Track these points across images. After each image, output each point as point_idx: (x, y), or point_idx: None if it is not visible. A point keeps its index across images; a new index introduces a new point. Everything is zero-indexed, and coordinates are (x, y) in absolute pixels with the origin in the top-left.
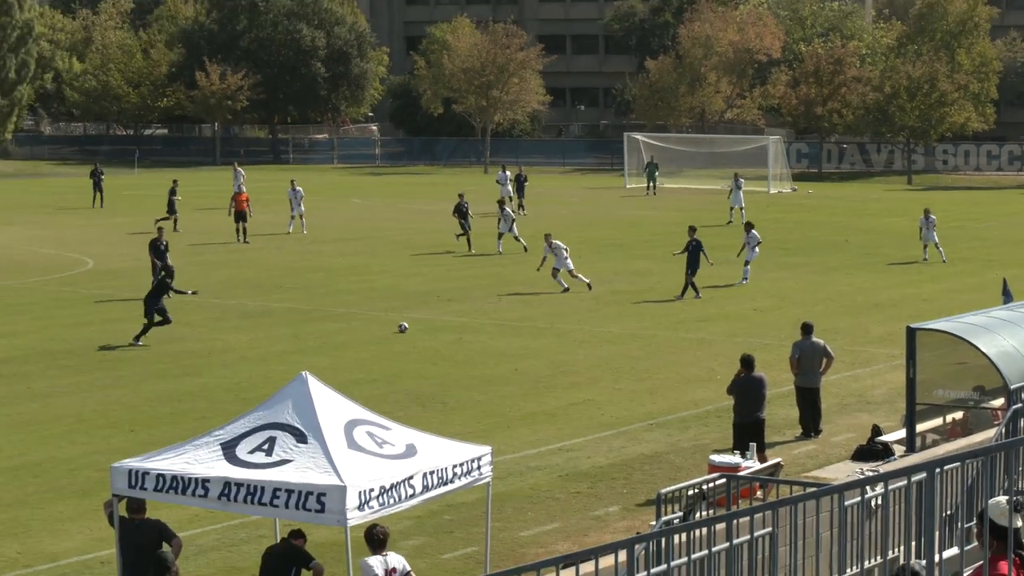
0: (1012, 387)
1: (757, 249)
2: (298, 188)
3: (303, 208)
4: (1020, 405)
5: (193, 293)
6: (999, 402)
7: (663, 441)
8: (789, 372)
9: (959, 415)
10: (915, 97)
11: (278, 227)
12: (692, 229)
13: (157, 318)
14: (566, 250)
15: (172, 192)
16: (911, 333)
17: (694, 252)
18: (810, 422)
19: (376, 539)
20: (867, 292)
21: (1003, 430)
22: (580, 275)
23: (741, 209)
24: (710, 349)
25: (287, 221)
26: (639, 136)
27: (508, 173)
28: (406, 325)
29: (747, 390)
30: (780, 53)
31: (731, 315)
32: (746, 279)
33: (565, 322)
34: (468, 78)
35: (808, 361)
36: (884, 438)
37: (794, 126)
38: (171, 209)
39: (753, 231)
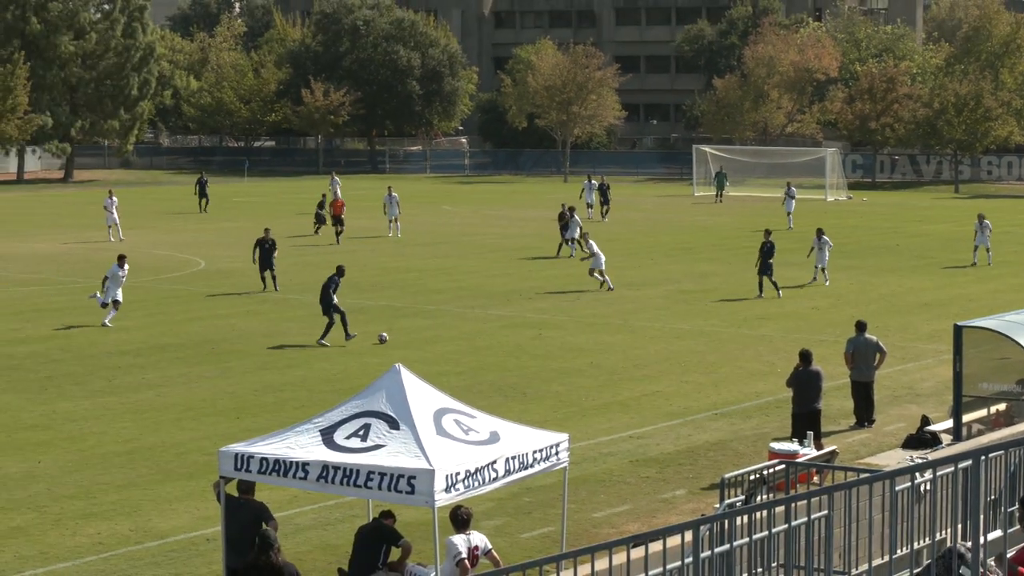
0: None
1: (827, 253)
2: (394, 194)
3: (399, 212)
4: None
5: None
6: None
7: (726, 430)
8: (844, 366)
9: (1002, 406)
10: (962, 112)
11: (373, 231)
12: (767, 232)
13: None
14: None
15: (320, 206)
16: (958, 330)
17: (768, 253)
18: (864, 413)
19: (461, 519)
20: (917, 292)
21: None
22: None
23: (789, 215)
24: (770, 345)
25: (384, 225)
26: (707, 148)
27: (594, 182)
28: (386, 336)
29: (805, 382)
30: (837, 72)
31: (790, 314)
32: (827, 281)
33: (637, 319)
34: (550, 95)
35: (862, 356)
36: (932, 428)
37: (849, 139)
38: (318, 218)
39: (824, 236)
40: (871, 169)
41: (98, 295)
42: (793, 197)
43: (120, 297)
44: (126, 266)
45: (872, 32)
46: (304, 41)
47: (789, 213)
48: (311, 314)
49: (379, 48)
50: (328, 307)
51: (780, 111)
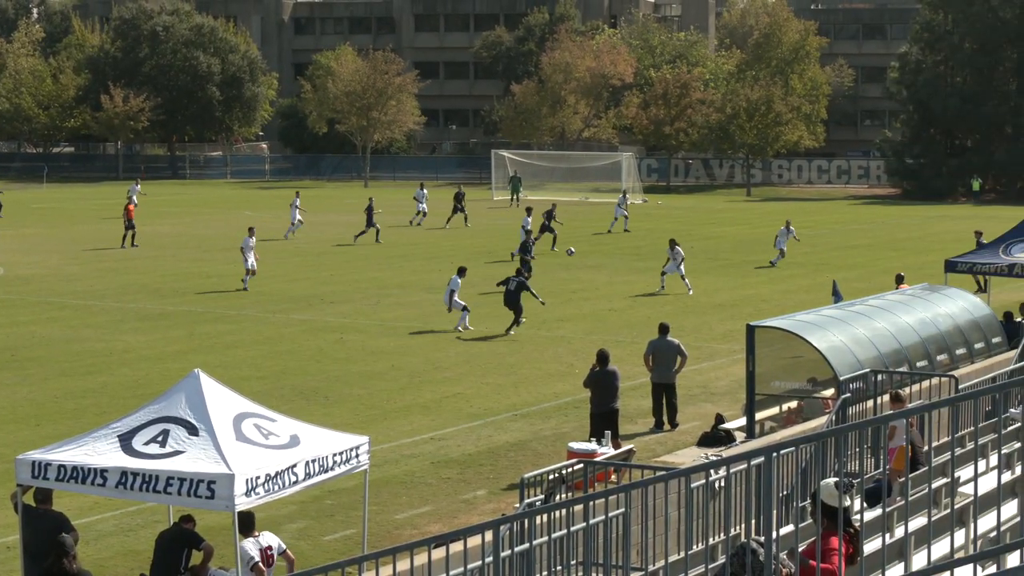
0: (841, 378)
1: (681, 266)
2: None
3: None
4: (848, 395)
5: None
6: (830, 392)
7: (526, 430)
8: (642, 366)
9: (794, 404)
10: (753, 117)
11: (175, 236)
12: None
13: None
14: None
15: (370, 209)
16: (750, 330)
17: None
18: (665, 415)
19: (246, 522)
20: (711, 293)
21: (833, 417)
22: None
23: (623, 219)
24: (569, 346)
25: (181, 231)
26: (505, 153)
27: (425, 191)
28: (573, 249)
29: (602, 383)
30: (632, 78)
31: (588, 315)
32: (689, 290)
33: (439, 323)
34: (350, 100)
35: (662, 359)
36: (726, 425)
37: (645, 144)
38: (369, 222)
39: (678, 247)
40: (666, 173)
41: None
42: (620, 205)
43: None
44: None
45: (666, 39)
46: (103, 47)
47: (618, 219)
48: (112, 320)
49: (179, 54)
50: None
51: (577, 116)
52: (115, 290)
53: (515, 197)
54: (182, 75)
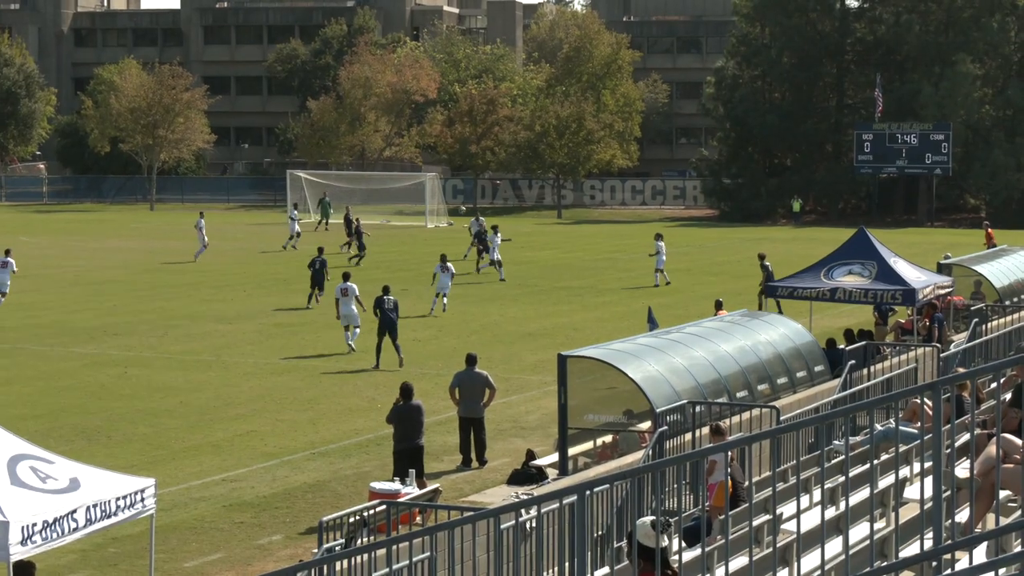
0: (658, 410)
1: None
2: None
3: None
4: (665, 428)
5: None
6: (646, 425)
7: (325, 470)
8: (448, 400)
9: (609, 438)
10: (564, 135)
11: None
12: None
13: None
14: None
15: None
16: (562, 360)
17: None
18: (473, 452)
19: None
20: (520, 321)
21: (650, 452)
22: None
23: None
24: (370, 379)
25: None
26: (301, 173)
27: (296, 213)
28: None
29: (406, 418)
30: (436, 94)
31: (389, 346)
32: (443, 309)
33: (230, 355)
34: (135, 117)
35: (469, 391)
36: (538, 462)
37: (450, 163)
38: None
39: (448, 263)
40: (472, 194)
41: None
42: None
43: None
44: None
45: (471, 52)
46: None
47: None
48: None
49: None
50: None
51: (378, 134)
52: None
53: (324, 221)
54: None
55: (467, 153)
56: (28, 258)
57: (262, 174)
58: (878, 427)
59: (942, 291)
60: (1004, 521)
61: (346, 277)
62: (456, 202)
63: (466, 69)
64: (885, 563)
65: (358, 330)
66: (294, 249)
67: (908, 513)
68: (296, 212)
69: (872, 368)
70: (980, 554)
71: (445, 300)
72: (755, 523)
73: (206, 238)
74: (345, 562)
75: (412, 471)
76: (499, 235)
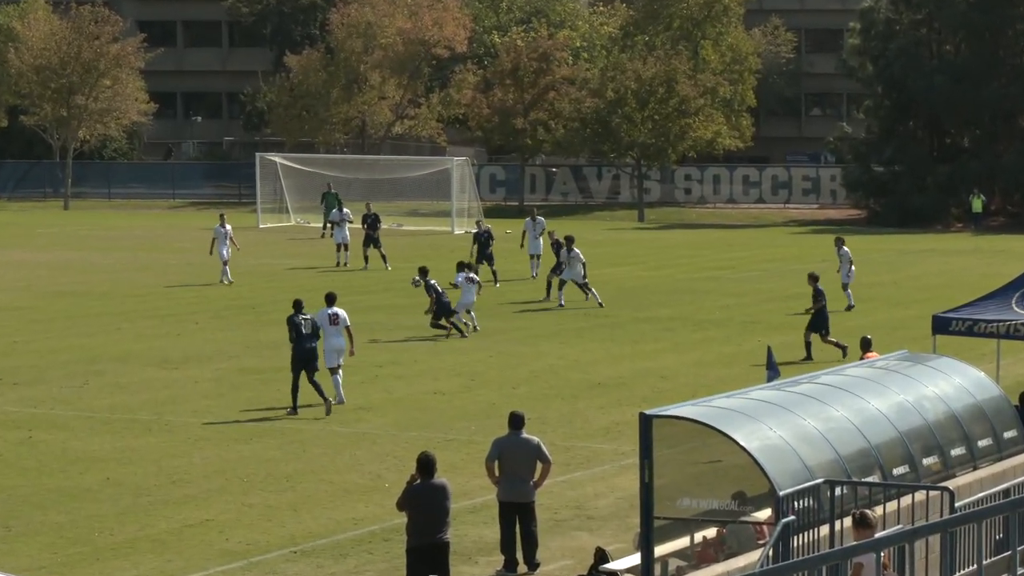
0: (781, 493)
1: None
2: None
3: None
4: (792, 518)
5: None
6: (765, 514)
7: (311, 575)
8: (484, 477)
9: (712, 532)
10: (647, 105)
11: None
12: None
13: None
14: None
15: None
16: (646, 422)
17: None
18: (521, 551)
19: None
20: (586, 367)
21: (770, 552)
22: None
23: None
24: (375, 447)
25: None
26: (276, 158)
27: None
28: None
29: (425, 503)
30: (466, 46)
31: (403, 401)
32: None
33: (176, 412)
34: (42, 79)
35: (515, 466)
36: (612, 566)
37: (487, 144)
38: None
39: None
40: (517, 187)
41: None
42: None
43: None
44: None
45: None
46: None
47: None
48: None
49: None
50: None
51: (385, 102)
52: None
53: (331, 225)
54: None
55: (510, 129)
56: None
57: (221, 159)
58: None
59: None
60: None
61: (331, 300)
62: (495, 198)
63: (509, 12)
64: None
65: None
66: (345, 267)
67: None
68: (348, 213)
69: None
70: None
71: (473, 315)
72: None
73: (227, 252)
74: None
75: None
76: (573, 249)
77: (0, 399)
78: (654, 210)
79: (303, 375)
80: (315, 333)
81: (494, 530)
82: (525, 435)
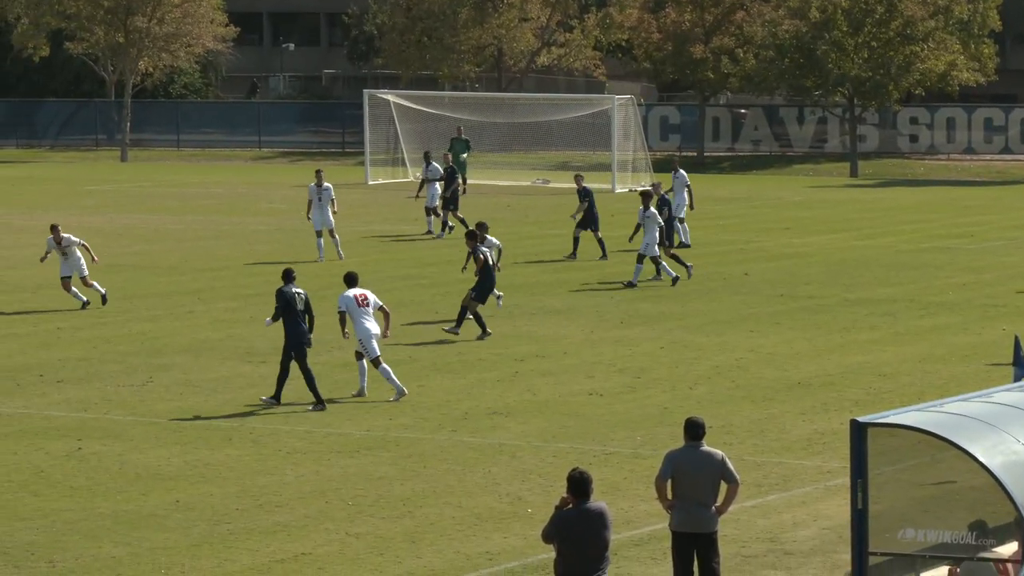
0: None
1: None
2: None
3: None
4: None
5: None
6: (1010, 549)
7: None
8: (650, 501)
9: (944, 571)
10: (862, 28)
11: None
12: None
13: None
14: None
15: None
16: (859, 432)
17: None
18: None
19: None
20: (783, 362)
21: None
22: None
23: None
24: (514, 463)
25: None
26: (389, 96)
27: (438, 166)
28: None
29: (578, 533)
30: None
31: (549, 403)
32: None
33: (264, 418)
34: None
35: (692, 487)
36: None
37: (657, 79)
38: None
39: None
40: (695, 133)
41: None
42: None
43: None
44: None
45: None
46: None
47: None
48: None
49: None
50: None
51: (527, 26)
52: None
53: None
54: None
55: (687, 60)
56: None
57: (319, 97)
58: None
59: None
60: None
61: (353, 280)
62: (668, 146)
63: None
64: None
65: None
66: (450, 231)
67: None
68: (437, 168)
69: None
70: None
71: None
72: None
73: (331, 218)
74: None
75: None
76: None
77: (42, 401)
78: (870, 162)
79: (292, 362)
80: (308, 311)
81: (665, 568)
82: (706, 448)
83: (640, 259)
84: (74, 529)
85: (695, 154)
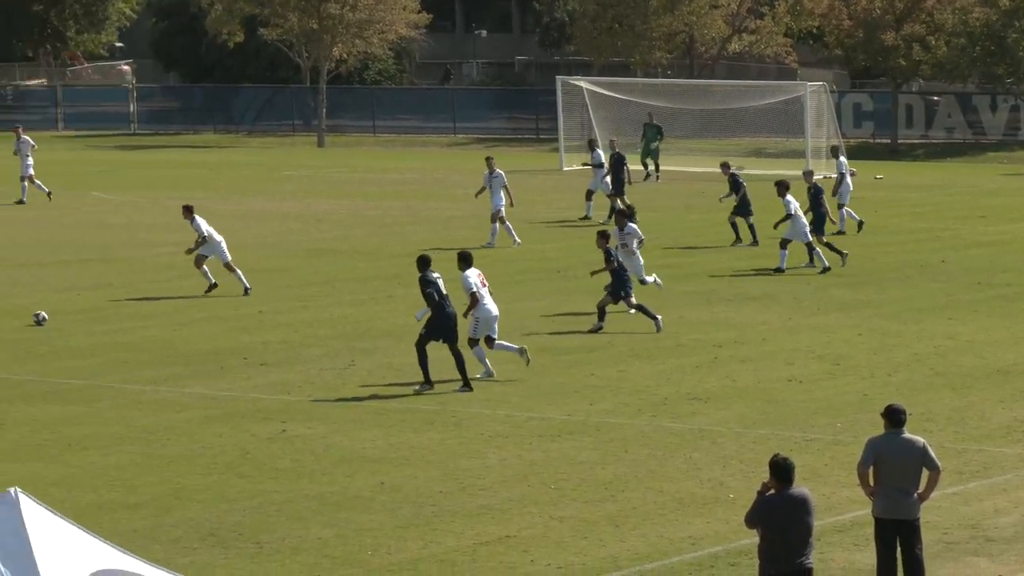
0: None
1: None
2: (25, 137)
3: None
4: None
5: None
6: None
7: None
8: (852, 487)
9: None
10: None
11: None
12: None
13: None
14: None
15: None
16: None
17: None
18: None
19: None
20: (983, 349)
21: None
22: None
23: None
24: (715, 448)
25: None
26: (582, 82)
27: (601, 153)
28: (44, 315)
29: (781, 519)
30: None
31: (749, 389)
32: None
33: (466, 401)
34: None
35: (894, 474)
36: None
37: (848, 65)
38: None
39: (631, 224)
40: (889, 120)
41: None
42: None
43: None
44: None
45: None
46: None
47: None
48: None
49: None
50: None
51: (718, 13)
52: None
53: (652, 164)
54: None
55: (879, 47)
56: (105, 228)
57: (511, 84)
58: None
59: None
60: None
61: (469, 259)
62: (861, 133)
63: None
64: None
65: None
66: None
67: None
68: (600, 154)
69: None
70: None
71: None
72: None
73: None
74: None
75: None
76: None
77: (246, 384)
78: None
79: (431, 345)
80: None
81: (868, 554)
82: (907, 435)
83: (783, 244)
84: (280, 511)
85: (889, 141)
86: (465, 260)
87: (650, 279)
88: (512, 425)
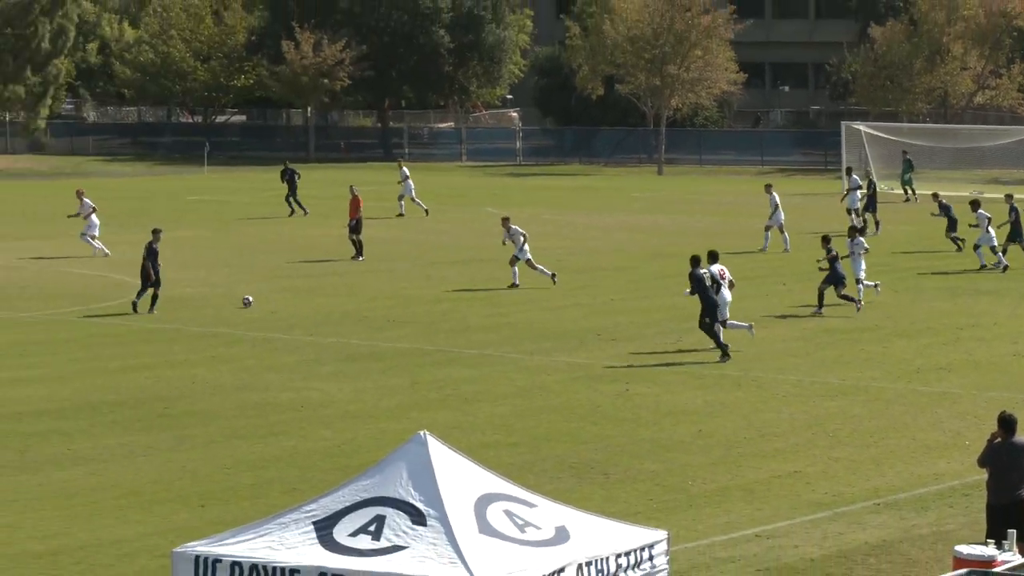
0: None
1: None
2: (404, 169)
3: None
4: None
5: None
6: None
7: (893, 526)
8: None
9: None
10: None
11: (387, 242)
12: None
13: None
14: (524, 236)
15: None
16: None
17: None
18: None
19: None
20: None
21: None
22: (541, 266)
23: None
24: (956, 406)
25: (399, 236)
26: (861, 126)
27: (857, 178)
28: (250, 299)
29: (1006, 460)
30: None
31: (982, 362)
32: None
33: (764, 368)
34: (636, 50)
35: None
36: None
37: None
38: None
39: (860, 238)
40: None
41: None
42: (856, 189)
43: None
44: None
45: None
46: None
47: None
48: (303, 360)
49: None
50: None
51: (966, 73)
52: (308, 318)
53: (910, 190)
54: (397, 13)
55: None
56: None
57: (807, 126)
58: None
59: None
60: None
61: (716, 257)
62: None
63: None
64: None
65: None
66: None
67: None
68: (856, 179)
69: None
70: None
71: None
72: None
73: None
74: None
75: (1012, 532)
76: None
77: (600, 354)
78: None
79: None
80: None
81: None
82: None
83: (976, 247)
84: (622, 451)
85: None
86: (712, 257)
87: (869, 283)
88: (800, 387)
